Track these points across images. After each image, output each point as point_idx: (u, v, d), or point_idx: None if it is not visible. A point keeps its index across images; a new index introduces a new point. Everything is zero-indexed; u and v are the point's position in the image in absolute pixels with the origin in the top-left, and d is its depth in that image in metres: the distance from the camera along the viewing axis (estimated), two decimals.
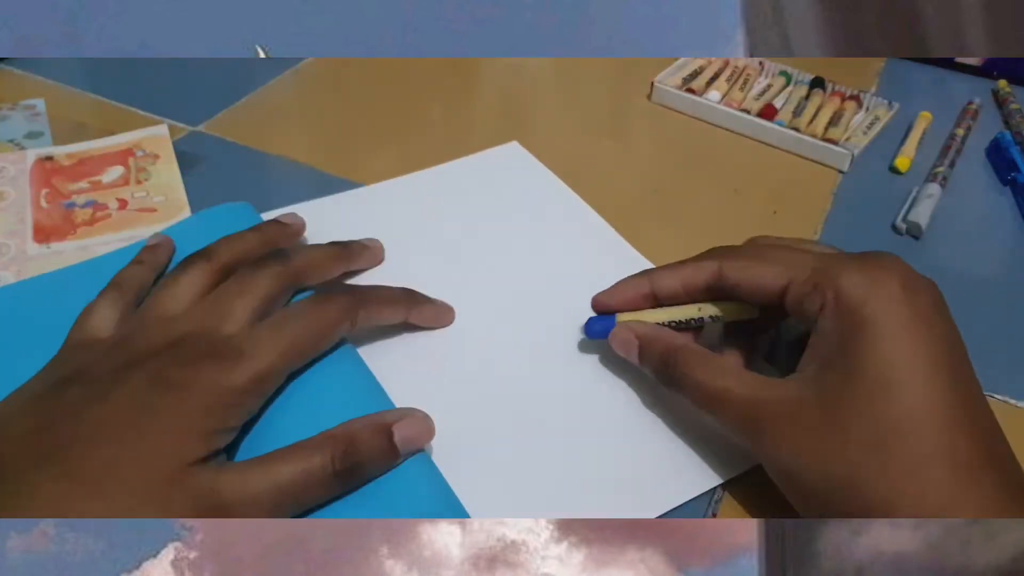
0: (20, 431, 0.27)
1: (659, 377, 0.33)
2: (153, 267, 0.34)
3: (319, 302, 0.32)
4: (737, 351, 0.35)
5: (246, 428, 0.31)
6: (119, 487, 0.26)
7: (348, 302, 0.33)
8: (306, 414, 0.31)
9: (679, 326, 0.35)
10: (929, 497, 0.25)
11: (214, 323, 0.30)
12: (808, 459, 0.27)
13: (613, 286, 0.36)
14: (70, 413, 0.27)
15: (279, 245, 0.36)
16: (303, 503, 0.28)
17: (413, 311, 0.36)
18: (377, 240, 0.41)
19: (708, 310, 0.34)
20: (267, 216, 0.42)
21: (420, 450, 0.30)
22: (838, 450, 0.26)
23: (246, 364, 0.29)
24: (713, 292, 0.34)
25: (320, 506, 0.29)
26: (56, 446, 0.26)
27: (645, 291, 0.35)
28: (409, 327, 0.38)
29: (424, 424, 0.30)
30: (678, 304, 0.35)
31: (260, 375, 0.29)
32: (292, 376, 0.32)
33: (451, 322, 0.38)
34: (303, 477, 0.27)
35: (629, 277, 0.36)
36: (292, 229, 0.37)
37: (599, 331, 0.36)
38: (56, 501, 0.25)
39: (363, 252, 0.39)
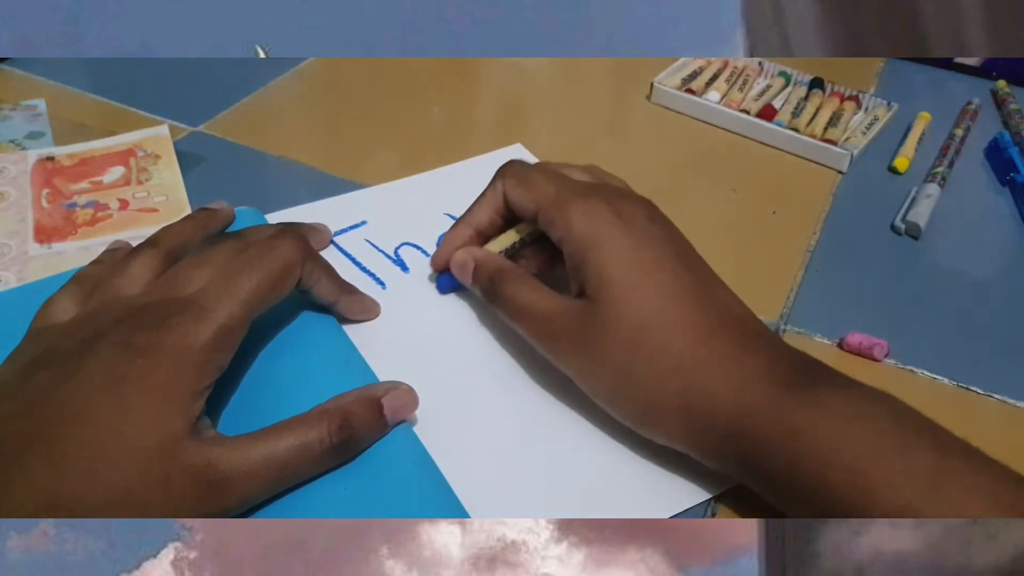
0: None
1: (484, 294, 0.36)
2: (112, 265, 0.34)
3: (270, 245, 0.32)
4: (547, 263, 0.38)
5: (240, 405, 0.31)
6: (111, 469, 0.26)
7: (298, 239, 0.33)
8: (297, 391, 0.32)
9: (507, 253, 0.37)
10: (668, 356, 0.30)
11: (174, 292, 0.30)
12: (580, 361, 0.33)
13: (441, 244, 0.39)
14: (44, 395, 0.27)
15: (212, 230, 0.36)
16: (300, 476, 0.29)
17: (344, 296, 0.36)
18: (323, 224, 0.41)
19: (524, 229, 0.37)
20: (271, 218, 0.42)
21: (405, 420, 0.31)
22: (591, 353, 0.32)
23: (209, 320, 0.28)
24: (513, 211, 0.37)
25: (315, 477, 0.29)
26: (37, 430, 0.26)
27: (468, 233, 0.38)
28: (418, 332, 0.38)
29: (410, 396, 0.31)
30: (500, 231, 0.38)
31: (224, 328, 0.29)
32: (282, 355, 0.33)
33: (377, 315, 0.38)
34: (300, 451, 0.28)
35: (450, 229, 0.39)
36: (222, 214, 0.38)
37: (445, 284, 0.39)
38: (52, 489, 0.25)
39: (314, 232, 0.40)
